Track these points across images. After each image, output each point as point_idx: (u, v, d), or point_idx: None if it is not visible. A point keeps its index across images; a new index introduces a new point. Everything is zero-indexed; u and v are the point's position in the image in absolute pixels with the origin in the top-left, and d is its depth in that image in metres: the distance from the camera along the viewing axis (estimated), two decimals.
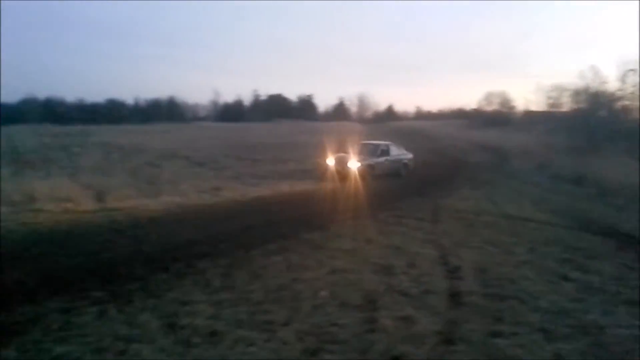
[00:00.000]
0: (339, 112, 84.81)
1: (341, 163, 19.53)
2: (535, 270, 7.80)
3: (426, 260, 8.16)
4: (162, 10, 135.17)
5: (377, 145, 21.31)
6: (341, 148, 21.24)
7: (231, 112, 74.65)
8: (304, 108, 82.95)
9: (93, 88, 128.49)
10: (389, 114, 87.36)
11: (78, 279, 7.13)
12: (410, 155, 22.43)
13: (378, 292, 6.57)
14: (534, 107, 55.79)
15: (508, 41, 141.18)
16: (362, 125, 61.84)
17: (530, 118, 54.52)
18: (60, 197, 13.21)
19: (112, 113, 61.57)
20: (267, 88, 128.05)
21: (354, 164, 19.00)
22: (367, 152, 20.47)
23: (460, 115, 78.79)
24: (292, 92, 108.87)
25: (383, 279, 7.15)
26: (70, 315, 5.82)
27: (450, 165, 26.59)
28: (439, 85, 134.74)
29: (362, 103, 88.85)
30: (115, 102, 69.52)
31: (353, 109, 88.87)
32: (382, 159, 20.48)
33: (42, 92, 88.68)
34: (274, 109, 76.32)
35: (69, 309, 5.99)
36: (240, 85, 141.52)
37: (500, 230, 10.64)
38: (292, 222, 11.49)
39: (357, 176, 18.45)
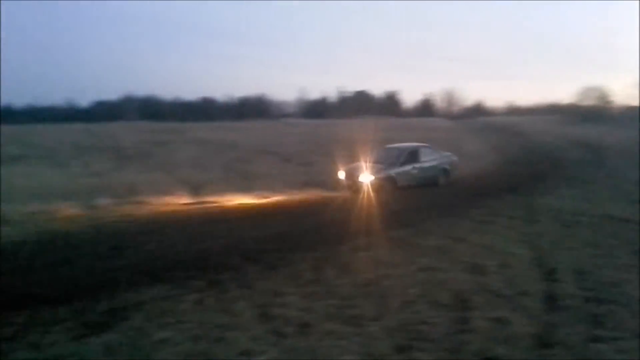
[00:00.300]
0: (425, 108, 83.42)
1: (352, 177, 15.94)
2: (638, 274, 7.32)
3: (520, 260, 7.88)
4: (252, 11, 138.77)
5: (402, 150, 17.14)
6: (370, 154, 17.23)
7: (317, 109, 75.41)
8: (389, 104, 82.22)
9: (187, 86, 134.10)
10: (478, 110, 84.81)
11: (176, 268, 7.51)
12: (452, 159, 18.39)
13: (469, 292, 6.42)
14: (634, 102, 52.26)
15: (605, 34, 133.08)
16: (448, 121, 60.50)
17: (630, 113, 51.09)
18: (158, 190, 13.92)
19: (205, 110, 63.94)
20: (352, 85, 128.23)
21: (366, 178, 15.41)
22: (387, 159, 16.63)
23: (554, 111, 74.95)
24: (377, 89, 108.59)
25: (474, 279, 6.98)
26: (170, 302, 6.14)
27: (544, 162, 25.41)
28: (532, 80, 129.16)
29: (449, 98, 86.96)
30: (208, 100, 72.38)
31: (440, 104, 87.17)
32: (407, 168, 16.44)
33: (140, 90, 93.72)
34: (359, 105, 76.23)
35: (169, 297, 6.33)
36: (326, 82, 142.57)
37: (600, 232, 10.06)
38: (378, 218, 11.48)
39: (371, 191, 14.88)
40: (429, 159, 17.18)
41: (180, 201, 13.29)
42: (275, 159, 24.42)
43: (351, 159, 17.48)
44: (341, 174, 16.46)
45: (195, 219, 11.44)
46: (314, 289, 6.54)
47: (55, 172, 17.72)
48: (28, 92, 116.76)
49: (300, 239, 9.50)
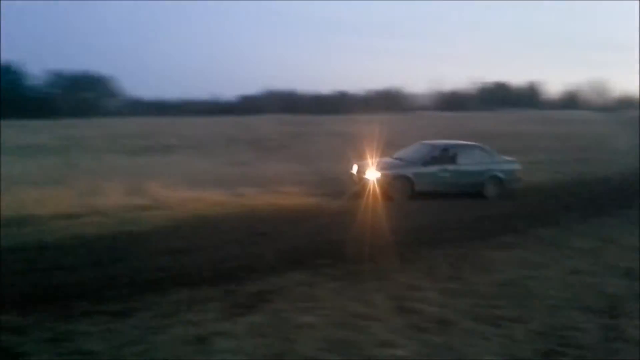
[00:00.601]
0: (570, 99, 77.82)
1: (361, 172, 13.75)
2: None
3: None
4: (385, 4, 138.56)
5: (433, 148, 14.13)
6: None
7: (451, 101, 73.35)
8: (529, 96, 77.90)
9: (325, 80, 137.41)
10: (630, 101, 77.36)
11: (315, 256, 7.79)
12: (511, 166, 14.38)
13: (623, 298, 5.97)
14: None
15: None
16: (596, 113, 55.99)
17: None
18: (296, 180, 14.42)
19: (340, 103, 65.03)
20: (489, 75, 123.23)
21: (372, 174, 13.23)
22: (413, 156, 14.15)
23: None
24: (516, 80, 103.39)
25: (629, 284, 6.48)
26: (310, 288, 6.37)
27: None
28: None
29: (598, 89, 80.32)
30: (343, 93, 73.47)
31: (587, 96, 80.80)
32: (433, 169, 13.47)
33: (281, 85, 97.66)
34: (496, 97, 73.18)
35: (309, 283, 6.58)
36: (461, 73, 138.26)
37: None
38: (523, 215, 11.06)
39: (377, 190, 12.86)
40: (472, 162, 13.92)
41: (312, 192, 13.68)
42: None
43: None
44: (354, 168, 14.25)
45: (332, 209, 11.76)
46: (452, 286, 6.46)
47: (204, 162, 19.04)
48: (179, 87, 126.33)
49: (435, 233, 9.44)
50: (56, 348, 4.75)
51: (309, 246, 8.60)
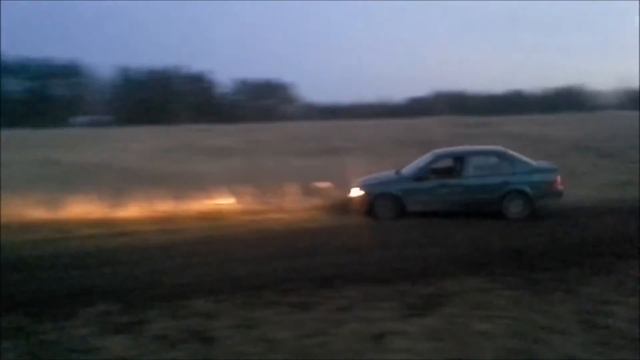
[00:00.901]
0: None
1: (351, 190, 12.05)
2: None
3: None
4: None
5: (435, 158, 11.96)
6: None
7: None
8: None
9: (497, 80, 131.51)
10: None
11: (490, 262, 7.61)
12: (543, 176, 11.37)
13: None
14: None
15: None
16: None
17: None
18: None
19: (514, 103, 62.00)
20: None
21: (355, 192, 11.70)
22: (410, 170, 12.12)
23: None
24: None
25: None
26: (486, 295, 6.20)
27: None
28: None
29: None
30: (518, 92, 69.84)
31: None
32: (429, 184, 11.36)
33: (451, 85, 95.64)
34: None
35: (485, 289, 6.41)
36: None
37: None
38: None
39: (356, 211, 11.46)
40: (483, 173, 11.40)
41: None
42: (591, 154, 22.30)
43: None
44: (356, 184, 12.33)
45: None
46: None
47: (375, 163, 19.35)
48: (350, 91, 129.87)
49: (622, 243, 8.61)
50: (243, 334, 5.19)
51: (479, 250, 8.44)
